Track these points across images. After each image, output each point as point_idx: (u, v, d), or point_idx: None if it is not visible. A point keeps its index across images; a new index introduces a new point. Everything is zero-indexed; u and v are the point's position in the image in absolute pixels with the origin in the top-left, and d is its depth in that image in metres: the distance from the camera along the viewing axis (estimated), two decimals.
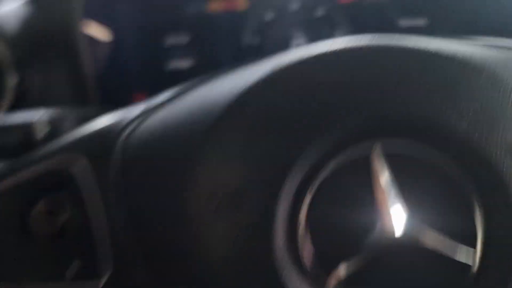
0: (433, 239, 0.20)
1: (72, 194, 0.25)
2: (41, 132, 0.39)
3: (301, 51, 0.24)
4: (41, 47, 0.51)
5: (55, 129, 0.40)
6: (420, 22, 0.57)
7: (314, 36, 0.57)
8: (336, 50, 0.23)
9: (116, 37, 0.54)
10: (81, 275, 0.25)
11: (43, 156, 0.27)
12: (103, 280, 0.25)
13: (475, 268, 0.21)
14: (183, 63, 0.55)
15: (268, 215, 0.21)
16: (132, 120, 0.27)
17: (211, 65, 0.56)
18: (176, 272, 0.24)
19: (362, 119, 0.22)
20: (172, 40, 0.54)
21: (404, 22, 0.58)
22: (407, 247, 0.21)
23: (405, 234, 0.21)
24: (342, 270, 0.21)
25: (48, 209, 0.25)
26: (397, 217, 0.21)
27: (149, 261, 0.25)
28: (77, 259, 0.25)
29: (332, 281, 0.21)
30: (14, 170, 0.26)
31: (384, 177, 0.21)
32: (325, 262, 0.21)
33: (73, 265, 0.25)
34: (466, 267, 0.21)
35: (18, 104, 0.50)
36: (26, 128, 0.39)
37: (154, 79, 0.56)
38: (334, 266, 0.21)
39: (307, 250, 0.21)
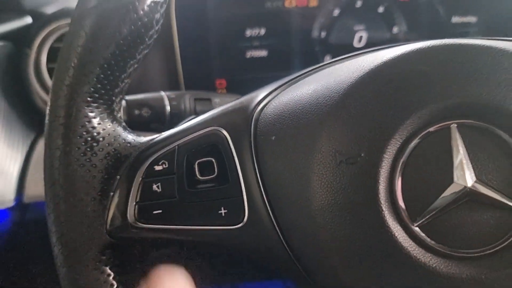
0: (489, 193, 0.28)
1: (217, 159, 0.33)
2: (170, 102, 0.48)
3: (401, 48, 0.31)
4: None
5: (178, 102, 0.49)
6: (471, 19, 0.64)
7: (375, 30, 0.64)
8: (429, 46, 0.30)
9: (204, 30, 0.62)
10: (224, 222, 0.33)
11: (197, 127, 0.34)
12: (239, 226, 0.32)
13: None
14: (259, 53, 0.63)
15: (375, 170, 0.29)
16: (262, 99, 0.35)
17: (283, 55, 0.64)
18: (296, 219, 0.31)
19: (445, 104, 0.29)
20: (251, 32, 0.62)
21: (455, 19, 0.64)
22: (474, 197, 0.28)
23: (473, 187, 0.28)
24: (427, 214, 0.29)
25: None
26: (468, 175, 0.28)
27: (275, 213, 0.32)
28: (222, 209, 0.33)
29: (419, 221, 0.29)
30: (184, 133, 0.34)
31: (460, 146, 0.29)
32: (414, 207, 0.29)
33: (219, 213, 0.33)
34: None
35: None
36: (159, 100, 0.48)
37: (233, 67, 0.64)
38: (421, 210, 0.29)
39: (401, 198, 0.29)
